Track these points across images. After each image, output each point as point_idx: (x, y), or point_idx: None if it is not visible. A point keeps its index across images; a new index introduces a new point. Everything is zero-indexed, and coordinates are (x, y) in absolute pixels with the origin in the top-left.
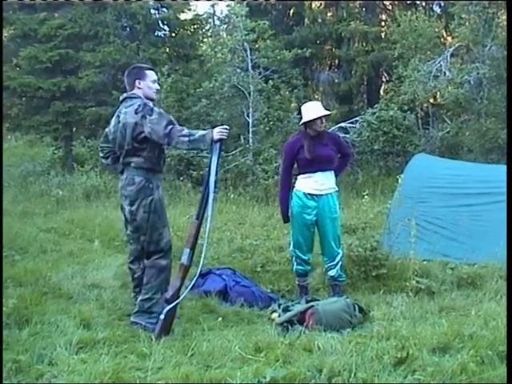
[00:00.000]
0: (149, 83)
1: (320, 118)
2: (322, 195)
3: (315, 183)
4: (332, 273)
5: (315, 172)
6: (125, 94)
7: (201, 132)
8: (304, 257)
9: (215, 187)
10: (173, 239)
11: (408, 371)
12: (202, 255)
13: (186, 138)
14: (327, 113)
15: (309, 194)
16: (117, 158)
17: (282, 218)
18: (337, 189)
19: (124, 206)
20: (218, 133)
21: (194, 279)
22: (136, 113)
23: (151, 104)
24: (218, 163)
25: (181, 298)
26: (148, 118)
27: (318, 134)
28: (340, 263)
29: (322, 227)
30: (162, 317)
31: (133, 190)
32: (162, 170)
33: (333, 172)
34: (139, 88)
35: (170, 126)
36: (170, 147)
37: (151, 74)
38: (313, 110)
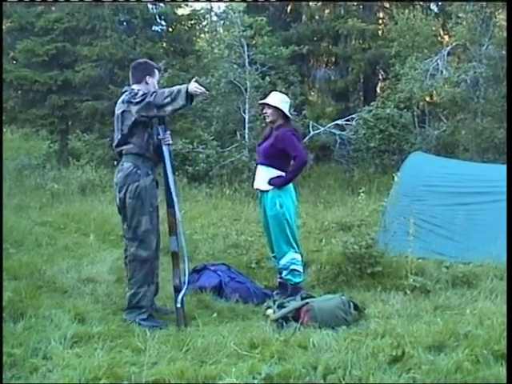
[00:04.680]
0: (155, 82)
1: (264, 105)
2: (262, 191)
3: (256, 176)
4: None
5: (257, 164)
6: (126, 88)
7: (177, 87)
8: (271, 253)
9: (173, 172)
10: (164, 234)
11: (403, 369)
12: (184, 247)
13: (168, 98)
14: (265, 101)
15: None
16: None
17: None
18: (270, 188)
19: (116, 195)
20: (193, 87)
21: (187, 275)
22: (123, 102)
23: (136, 89)
24: (169, 151)
25: (186, 284)
26: (134, 101)
27: (277, 127)
28: (291, 266)
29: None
30: (178, 305)
31: (121, 177)
32: (152, 158)
33: (270, 168)
34: (147, 84)
35: (154, 93)
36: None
37: (157, 74)
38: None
